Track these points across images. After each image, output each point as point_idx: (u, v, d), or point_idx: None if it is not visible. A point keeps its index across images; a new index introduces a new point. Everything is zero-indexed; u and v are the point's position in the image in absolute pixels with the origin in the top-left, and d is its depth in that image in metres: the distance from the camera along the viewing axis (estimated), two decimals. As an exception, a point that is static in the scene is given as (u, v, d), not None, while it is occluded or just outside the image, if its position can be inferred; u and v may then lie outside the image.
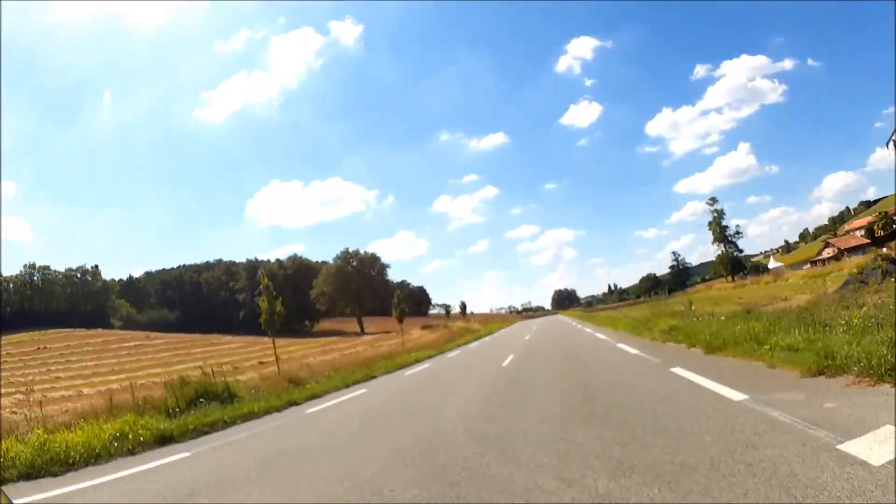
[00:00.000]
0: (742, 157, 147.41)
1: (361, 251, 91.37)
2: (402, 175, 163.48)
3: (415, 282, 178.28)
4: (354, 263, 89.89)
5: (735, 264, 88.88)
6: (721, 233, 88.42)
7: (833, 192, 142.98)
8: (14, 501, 4.63)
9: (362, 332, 76.08)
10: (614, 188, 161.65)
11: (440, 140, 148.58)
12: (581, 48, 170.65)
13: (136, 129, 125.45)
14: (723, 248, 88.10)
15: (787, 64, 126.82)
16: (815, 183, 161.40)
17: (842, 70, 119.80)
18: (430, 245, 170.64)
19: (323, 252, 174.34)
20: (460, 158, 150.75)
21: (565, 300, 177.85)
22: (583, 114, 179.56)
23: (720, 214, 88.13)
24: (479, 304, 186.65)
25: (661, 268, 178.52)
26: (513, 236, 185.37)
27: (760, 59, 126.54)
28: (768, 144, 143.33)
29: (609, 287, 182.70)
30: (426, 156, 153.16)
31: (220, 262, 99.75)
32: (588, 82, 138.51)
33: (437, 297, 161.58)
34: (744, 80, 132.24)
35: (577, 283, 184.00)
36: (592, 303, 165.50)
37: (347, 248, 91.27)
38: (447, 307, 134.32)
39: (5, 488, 4.79)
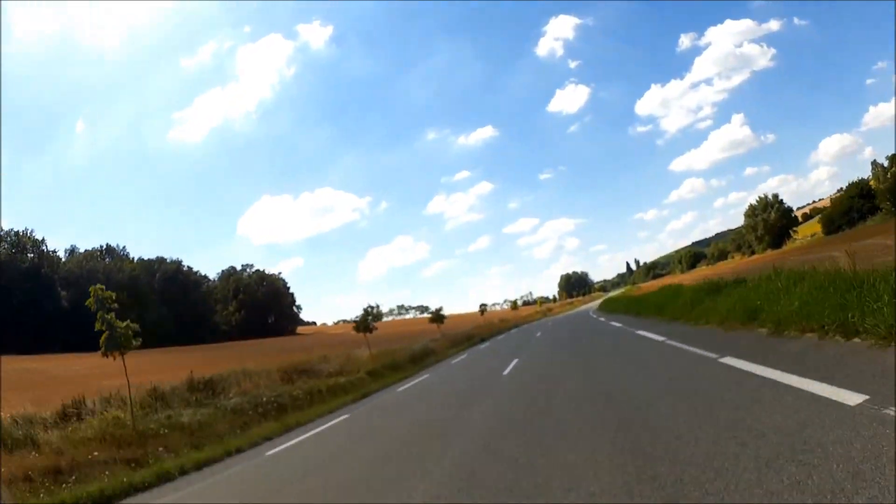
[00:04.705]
0: (737, 129, 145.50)
1: None
2: (393, 178, 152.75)
3: (414, 286, 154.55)
4: None
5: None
6: None
7: (830, 155, 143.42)
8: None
9: None
10: (610, 172, 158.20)
11: (427, 138, 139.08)
12: (561, 28, 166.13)
13: (112, 154, 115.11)
14: None
15: (774, 25, 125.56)
16: (812, 147, 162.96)
17: (828, 26, 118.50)
18: (430, 247, 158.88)
19: (322, 265, 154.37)
20: (450, 155, 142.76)
21: (575, 286, 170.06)
22: (570, 98, 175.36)
23: None
24: (482, 301, 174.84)
25: (664, 248, 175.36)
26: (512, 231, 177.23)
27: (746, 23, 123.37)
28: (762, 113, 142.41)
29: (627, 265, 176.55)
30: (415, 156, 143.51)
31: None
32: (572, 64, 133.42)
33: (439, 300, 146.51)
34: (731, 46, 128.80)
35: (582, 271, 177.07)
36: (607, 287, 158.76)
37: None
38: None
39: None
